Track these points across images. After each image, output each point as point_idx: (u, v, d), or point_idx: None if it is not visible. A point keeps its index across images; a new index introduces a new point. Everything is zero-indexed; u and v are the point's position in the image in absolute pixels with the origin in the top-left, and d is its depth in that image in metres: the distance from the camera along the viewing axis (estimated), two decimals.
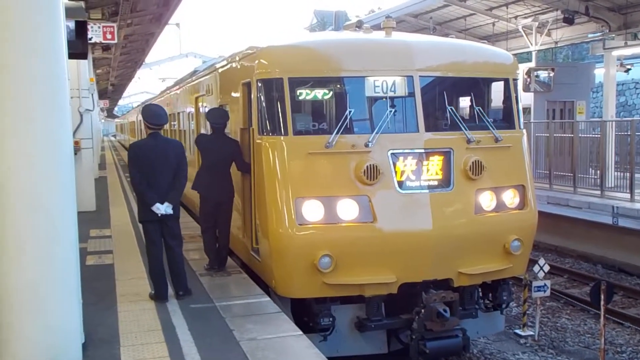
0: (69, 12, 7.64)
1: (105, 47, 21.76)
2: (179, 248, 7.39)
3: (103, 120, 73.45)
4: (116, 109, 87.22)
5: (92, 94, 17.94)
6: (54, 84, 4.89)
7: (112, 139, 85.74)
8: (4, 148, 4.77)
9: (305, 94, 7.38)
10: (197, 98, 12.42)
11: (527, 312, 10.60)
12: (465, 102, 8.25)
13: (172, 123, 17.24)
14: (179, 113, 15.73)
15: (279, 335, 5.97)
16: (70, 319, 5.16)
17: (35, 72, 4.76)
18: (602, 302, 8.92)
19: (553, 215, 15.93)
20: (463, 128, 7.55)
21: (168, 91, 19.44)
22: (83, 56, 9.68)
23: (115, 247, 10.21)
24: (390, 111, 7.34)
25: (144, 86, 64.86)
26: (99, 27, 14.82)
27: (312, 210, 7.06)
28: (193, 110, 12.91)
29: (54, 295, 4.97)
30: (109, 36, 14.92)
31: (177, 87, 16.68)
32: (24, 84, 4.74)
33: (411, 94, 7.43)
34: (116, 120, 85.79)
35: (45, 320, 4.93)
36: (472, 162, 7.44)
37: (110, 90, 49.48)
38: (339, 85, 7.57)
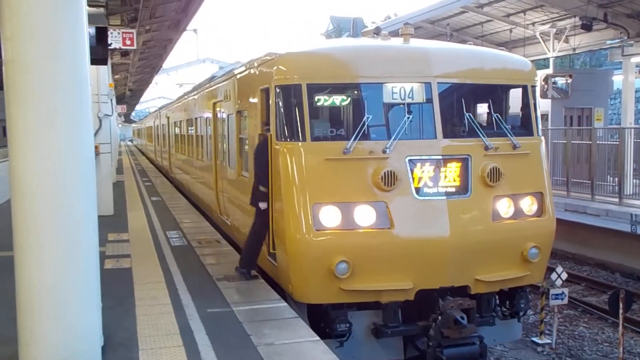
0: (90, 19, 7.69)
1: (124, 53, 22.02)
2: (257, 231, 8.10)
3: (120, 125, 74.04)
4: (133, 114, 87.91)
5: (111, 99, 18.10)
6: (77, 88, 4.95)
7: (129, 143, 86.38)
8: (28, 152, 4.84)
9: (323, 100, 7.40)
10: (214, 104, 12.51)
11: (545, 320, 10.54)
12: (483, 108, 8.24)
13: (190, 128, 17.38)
14: (196, 118, 15.85)
15: (296, 341, 5.98)
16: (91, 323, 5.22)
17: (60, 77, 4.83)
18: (620, 311, 8.85)
19: (571, 222, 15.83)
20: (481, 135, 7.54)
21: (186, 97, 19.59)
22: (103, 62, 9.78)
23: (132, 251, 10.28)
24: (408, 117, 7.35)
25: (161, 91, 65.34)
26: (118, 33, 15.00)
27: (330, 216, 7.07)
28: (211, 115, 13.00)
29: (75, 298, 5.02)
30: (128, 42, 15.09)
31: (195, 92, 16.81)
32: (48, 88, 4.81)
33: (429, 101, 7.43)
34: (133, 125, 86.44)
35: (66, 323, 4.98)
36: (490, 169, 7.42)
37: (127, 96, 49.97)
38: (356, 92, 7.58)
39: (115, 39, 14.90)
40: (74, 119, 4.94)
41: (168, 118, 24.92)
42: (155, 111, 38.10)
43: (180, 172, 20.53)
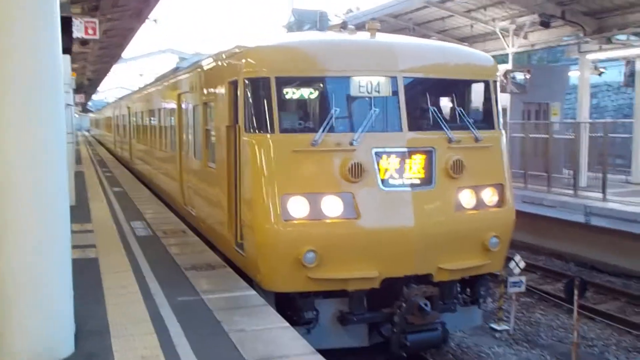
0: None
1: (83, 42, 21.65)
2: None
3: (77, 115, 72.57)
4: (90, 103, 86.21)
5: (72, 89, 17.87)
6: (52, 79, 4.96)
7: (86, 133, 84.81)
8: (4, 143, 4.83)
9: (291, 93, 7.52)
10: (179, 95, 12.49)
11: (503, 307, 10.88)
12: (447, 102, 8.46)
13: (152, 119, 17.27)
14: (159, 109, 15.78)
15: (267, 327, 6.10)
16: (65, 310, 5.27)
17: (37, 67, 4.83)
18: (575, 298, 9.20)
19: (528, 214, 16.26)
20: (445, 128, 7.76)
21: (148, 87, 19.42)
22: (68, 51, 9.73)
23: (97, 242, 10.24)
24: (375, 111, 7.52)
25: (120, 81, 64.31)
26: (80, 23, 14.83)
27: (298, 207, 7.21)
28: (175, 106, 12.97)
29: (50, 287, 5.05)
30: (90, 32, 14.94)
31: (159, 83, 16.70)
32: (24, 78, 4.81)
33: (395, 94, 7.62)
34: (90, 115, 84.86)
35: (41, 311, 5.01)
36: (453, 161, 7.66)
37: (85, 85, 49.04)
38: (324, 85, 7.72)
39: (77, 28, 14.71)
40: (49, 109, 4.94)
41: (129, 108, 24.65)
42: (115, 101, 37.56)
43: (142, 162, 20.38)
